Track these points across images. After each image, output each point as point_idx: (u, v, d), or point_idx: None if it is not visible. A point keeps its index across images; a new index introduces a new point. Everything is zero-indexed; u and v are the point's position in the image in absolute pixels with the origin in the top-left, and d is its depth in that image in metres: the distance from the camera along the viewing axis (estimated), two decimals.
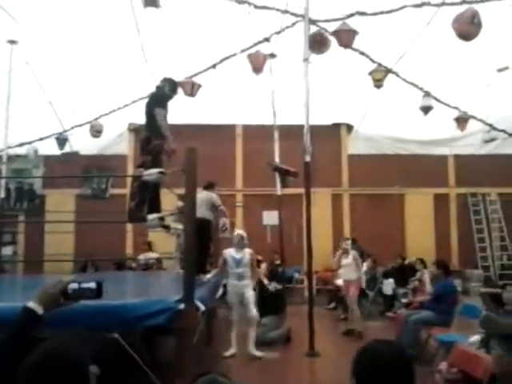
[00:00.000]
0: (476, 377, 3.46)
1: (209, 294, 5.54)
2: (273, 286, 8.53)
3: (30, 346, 1.60)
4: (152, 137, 5.71)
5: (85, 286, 1.88)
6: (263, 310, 8.04)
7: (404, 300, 9.27)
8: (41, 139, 12.82)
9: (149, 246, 10.77)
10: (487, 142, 13.50)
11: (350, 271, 8.34)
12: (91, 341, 3.22)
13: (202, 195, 6.72)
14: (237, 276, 6.99)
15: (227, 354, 6.88)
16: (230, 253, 7.10)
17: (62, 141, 12.90)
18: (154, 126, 5.74)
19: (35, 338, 1.73)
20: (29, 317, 1.73)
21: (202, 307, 4.22)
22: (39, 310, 1.74)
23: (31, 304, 1.74)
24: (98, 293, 1.89)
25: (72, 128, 12.61)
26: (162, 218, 5.79)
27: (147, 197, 5.67)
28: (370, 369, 1.53)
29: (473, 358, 3.63)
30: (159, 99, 5.92)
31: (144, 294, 5.87)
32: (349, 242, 8.90)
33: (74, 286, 1.86)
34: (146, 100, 6.45)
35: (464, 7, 7.39)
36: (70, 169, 12.31)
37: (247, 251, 7.14)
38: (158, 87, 6.20)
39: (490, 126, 12.80)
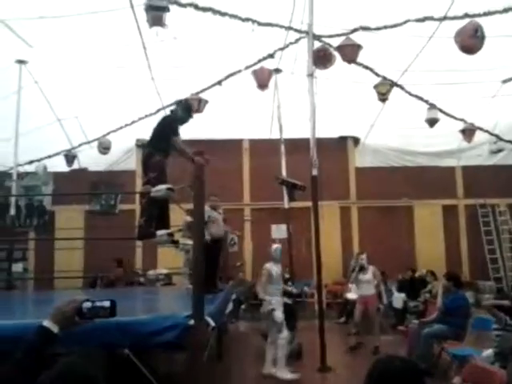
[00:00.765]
0: None
1: (219, 309, 5.53)
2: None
3: (45, 362, 1.62)
4: (154, 153, 5.73)
5: (99, 304, 1.88)
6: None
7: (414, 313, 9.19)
8: (49, 156, 12.98)
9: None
10: (494, 152, 13.49)
11: (369, 287, 8.26)
12: (103, 357, 3.24)
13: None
14: (280, 292, 6.84)
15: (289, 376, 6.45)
16: (272, 267, 6.85)
17: (70, 158, 13.05)
18: (157, 143, 5.77)
19: (50, 353, 1.75)
20: (44, 336, 1.74)
21: (213, 323, 4.21)
22: (55, 328, 1.75)
23: (46, 323, 1.75)
24: (111, 311, 1.89)
25: (80, 145, 12.77)
26: (171, 234, 5.80)
27: (156, 213, 5.68)
28: (383, 382, 1.54)
29: (487, 373, 3.59)
30: (172, 126, 5.83)
31: (154, 309, 5.87)
32: (364, 256, 8.68)
33: (88, 304, 1.86)
34: (154, 118, 6.48)
35: (466, 21, 7.45)
36: (79, 185, 12.41)
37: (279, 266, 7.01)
38: (171, 111, 6.20)
39: (497, 136, 12.79)
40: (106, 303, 1.89)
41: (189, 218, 6.62)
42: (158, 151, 5.68)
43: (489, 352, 4.58)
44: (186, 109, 6.12)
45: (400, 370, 1.55)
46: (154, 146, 5.75)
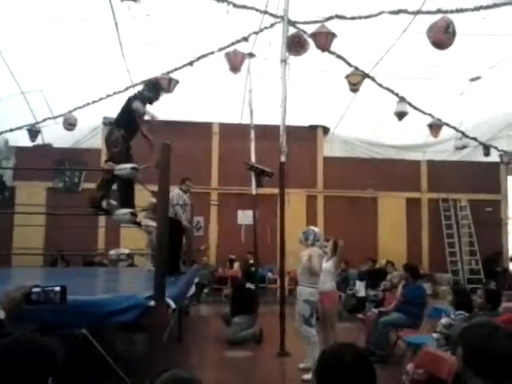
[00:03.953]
0: (441, 377, 3.54)
1: (181, 291, 5.50)
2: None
3: None
4: (115, 129, 5.67)
5: (48, 290, 1.83)
6: (235, 310, 8.05)
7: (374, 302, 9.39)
8: (12, 130, 12.55)
9: None
10: (459, 149, 13.82)
11: (325, 281, 6.50)
12: (59, 335, 3.18)
13: (174, 193, 6.65)
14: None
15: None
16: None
17: (34, 133, 12.65)
18: (121, 121, 5.73)
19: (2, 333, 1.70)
20: None
21: (173, 305, 4.19)
22: (1, 314, 1.71)
23: None
24: (61, 298, 1.85)
25: (45, 120, 12.38)
26: (134, 214, 5.72)
27: (110, 190, 5.69)
28: (332, 371, 1.55)
29: (438, 359, 3.71)
30: (137, 99, 5.79)
31: (114, 290, 5.79)
32: (329, 243, 7.19)
33: (37, 290, 1.82)
34: (122, 96, 6.37)
35: (439, 16, 7.55)
36: (42, 161, 12.06)
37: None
38: (139, 91, 6.12)
39: (462, 133, 13.09)
40: (56, 289, 1.84)
41: (154, 200, 6.55)
42: (119, 128, 5.62)
43: (434, 336, 4.72)
44: (154, 89, 6.03)
45: (350, 360, 1.55)
46: (118, 123, 5.69)
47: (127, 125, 5.69)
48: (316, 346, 5.88)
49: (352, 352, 1.59)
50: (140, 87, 6.41)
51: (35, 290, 1.82)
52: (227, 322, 8.06)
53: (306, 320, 5.97)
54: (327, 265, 6.73)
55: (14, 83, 11.17)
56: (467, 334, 1.62)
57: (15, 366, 1.36)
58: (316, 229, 6.53)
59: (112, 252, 9.18)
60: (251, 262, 11.19)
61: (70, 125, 11.80)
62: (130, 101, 5.83)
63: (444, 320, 4.79)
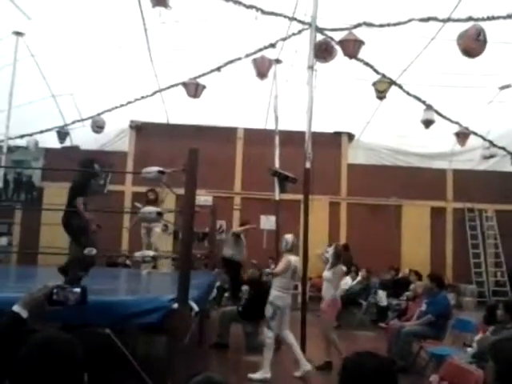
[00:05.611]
0: None
1: (203, 295, 5.54)
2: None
3: (23, 337, 1.61)
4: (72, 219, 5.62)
5: (69, 291, 1.90)
6: (255, 315, 7.98)
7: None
8: (42, 132, 12.85)
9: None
10: (486, 158, 13.59)
11: (327, 288, 6.62)
12: (82, 335, 3.22)
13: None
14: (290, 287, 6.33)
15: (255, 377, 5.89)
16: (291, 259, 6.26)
17: (62, 134, 12.93)
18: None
19: (29, 329, 1.75)
20: (13, 320, 1.77)
21: (196, 308, 4.22)
22: (24, 313, 1.78)
23: (16, 308, 1.79)
24: (82, 298, 1.92)
25: (73, 122, 12.64)
26: (160, 213, 5.73)
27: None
28: (355, 380, 1.54)
29: (464, 372, 3.64)
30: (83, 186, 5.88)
31: (138, 291, 5.87)
32: (330, 249, 7.11)
33: (59, 291, 1.88)
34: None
35: (469, 24, 7.45)
36: (70, 163, 12.27)
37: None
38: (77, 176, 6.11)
39: (490, 142, 12.87)
40: (77, 290, 1.92)
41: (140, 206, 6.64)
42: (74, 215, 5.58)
43: (468, 351, 4.63)
44: (86, 166, 6.07)
45: (373, 368, 1.54)
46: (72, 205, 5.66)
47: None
48: (269, 349, 5.96)
49: (374, 360, 1.57)
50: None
51: (57, 290, 1.88)
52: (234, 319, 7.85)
53: (267, 321, 6.10)
54: (328, 273, 6.68)
55: (45, 86, 11.44)
56: (499, 349, 1.58)
57: (53, 363, 1.39)
58: (288, 236, 6.53)
59: (137, 254, 9.24)
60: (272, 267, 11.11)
61: (98, 127, 12.01)
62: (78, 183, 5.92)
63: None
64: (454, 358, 4.27)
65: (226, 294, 12.45)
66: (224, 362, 6.81)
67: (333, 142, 14.48)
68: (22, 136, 12.79)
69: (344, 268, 7.03)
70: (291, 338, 6.24)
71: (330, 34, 8.84)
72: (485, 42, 7.13)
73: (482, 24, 7.33)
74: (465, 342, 4.82)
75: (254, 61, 9.52)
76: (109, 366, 4.49)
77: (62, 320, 3.37)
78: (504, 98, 11.10)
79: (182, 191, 4.51)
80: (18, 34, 10.12)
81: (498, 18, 7.56)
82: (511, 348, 1.53)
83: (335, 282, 6.67)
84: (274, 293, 6.19)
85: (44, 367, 1.38)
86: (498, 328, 4.40)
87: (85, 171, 5.95)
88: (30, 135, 12.91)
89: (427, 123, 10.87)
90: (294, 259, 6.38)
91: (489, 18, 7.49)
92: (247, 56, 9.70)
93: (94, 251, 5.22)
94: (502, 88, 10.80)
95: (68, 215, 5.68)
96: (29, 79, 10.87)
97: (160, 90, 11.24)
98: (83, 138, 13.26)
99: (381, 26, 8.41)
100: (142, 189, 9.69)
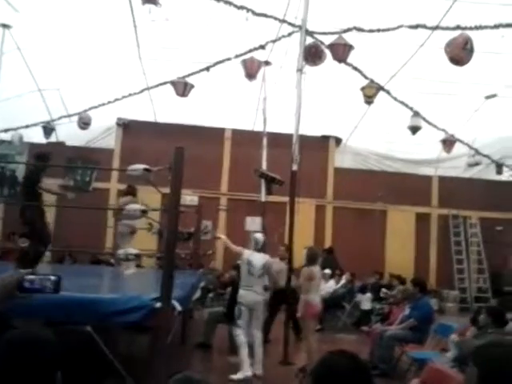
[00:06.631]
0: None
1: (186, 294, 5.50)
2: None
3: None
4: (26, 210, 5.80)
5: (42, 279, 1.81)
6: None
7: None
8: (27, 126, 12.66)
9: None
10: (471, 166, 13.74)
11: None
12: (63, 332, 3.18)
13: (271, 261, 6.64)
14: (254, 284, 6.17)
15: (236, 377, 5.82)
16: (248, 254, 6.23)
17: (48, 130, 12.76)
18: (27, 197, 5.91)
19: (7, 326, 1.71)
20: None
21: (179, 307, 4.19)
22: None
23: None
24: (55, 287, 1.82)
25: (60, 118, 12.48)
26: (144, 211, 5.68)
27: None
28: (327, 379, 1.52)
29: (445, 376, 3.66)
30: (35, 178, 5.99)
31: (120, 289, 5.81)
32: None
33: (31, 278, 1.80)
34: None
35: (458, 32, 7.54)
36: (55, 159, 12.11)
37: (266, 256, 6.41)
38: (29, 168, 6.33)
39: (476, 150, 13.02)
40: (51, 278, 1.83)
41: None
42: (28, 207, 5.78)
43: (449, 355, 4.67)
44: (40, 159, 6.21)
45: (346, 367, 1.53)
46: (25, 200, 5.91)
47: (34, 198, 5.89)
48: (243, 348, 5.94)
49: (347, 359, 1.56)
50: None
51: (29, 277, 1.79)
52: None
53: (235, 320, 6.10)
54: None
55: (31, 80, 11.30)
56: (482, 354, 1.58)
57: (23, 360, 1.35)
58: (258, 235, 6.65)
59: (120, 252, 9.15)
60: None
61: (84, 124, 11.89)
62: (29, 177, 6.08)
63: None
64: (435, 362, 4.30)
65: (211, 295, 12.42)
66: (206, 362, 6.77)
67: (320, 145, 14.53)
68: (6, 130, 12.61)
69: (328, 271, 7.11)
70: (255, 340, 6.09)
71: (319, 37, 8.86)
72: (472, 50, 7.22)
73: (470, 33, 7.42)
74: (443, 347, 4.85)
75: (244, 62, 9.51)
76: (89, 363, 4.45)
77: (43, 317, 3.33)
78: (490, 107, 11.24)
79: (167, 190, 4.48)
80: (5, 26, 9.99)
81: (486, 27, 7.65)
82: (495, 353, 1.52)
83: (305, 284, 6.24)
84: (239, 291, 6.23)
85: (11, 365, 1.33)
86: (481, 332, 4.44)
87: (39, 164, 6.13)
88: (15, 129, 12.73)
89: (414, 129, 10.96)
90: (257, 256, 6.24)
91: (476, 28, 7.59)
92: (237, 57, 9.68)
93: (27, 243, 5.34)
94: (488, 97, 10.93)
95: (22, 206, 5.89)
96: (15, 73, 10.72)
97: (148, 88, 11.17)
98: (69, 135, 13.12)
99: (371, 31, 8.46)
100: None
